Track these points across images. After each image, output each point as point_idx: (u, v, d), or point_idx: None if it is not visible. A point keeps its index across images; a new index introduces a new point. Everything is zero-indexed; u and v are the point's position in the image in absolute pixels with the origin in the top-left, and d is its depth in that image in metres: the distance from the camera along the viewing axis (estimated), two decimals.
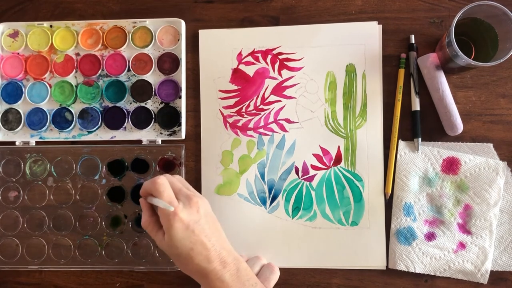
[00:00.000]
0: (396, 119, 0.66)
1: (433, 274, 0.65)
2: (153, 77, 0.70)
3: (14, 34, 0.71)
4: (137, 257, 0.68)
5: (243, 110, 0.69)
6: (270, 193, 0.68)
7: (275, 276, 0.63)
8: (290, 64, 0.69)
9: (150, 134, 0.70)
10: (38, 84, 0.71)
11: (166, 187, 0.54)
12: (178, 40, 0.70)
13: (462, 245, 0.64)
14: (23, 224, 0.69)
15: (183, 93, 0.69)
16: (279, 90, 0.69)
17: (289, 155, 0.68)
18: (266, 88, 0.69)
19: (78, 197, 0.69)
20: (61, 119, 0.70)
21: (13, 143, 0.70)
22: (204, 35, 0.70)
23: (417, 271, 0.64)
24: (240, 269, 0.54)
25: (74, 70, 0.71)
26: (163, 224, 0.54)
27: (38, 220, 0.69)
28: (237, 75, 0.69)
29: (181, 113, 0.69)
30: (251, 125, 0.69)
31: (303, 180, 0.68)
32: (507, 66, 0.67)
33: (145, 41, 0.70)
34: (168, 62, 0.70)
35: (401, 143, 0.67)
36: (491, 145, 0.66)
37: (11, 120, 0.71)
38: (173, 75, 0.70)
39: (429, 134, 0.67)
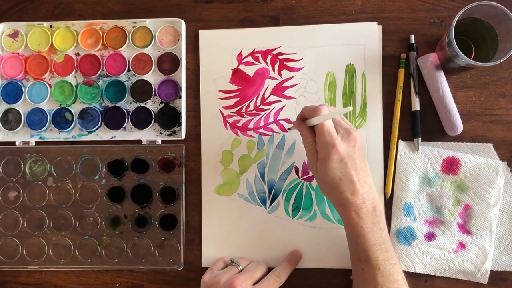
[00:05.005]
0: (396, 119, 0.66)
1: (433, 274, 0.65)
2: (153, 77, 0.70)
3: (14, 34, 0.71)
4: (137, 257, 0.68)
5: (243, 110, 0.69)
6: (270, 193, 0.68)
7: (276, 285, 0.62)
8: (290, 64, 0.69)
9: (150, 134, 0.70)
10: (38, 84, 0.71)
11: (329, 119, 0.55)
12: (178, 40, 0.70)
13: (462, 245, 0.64)
14: (23, 224, 0.69)
15: (183, 93, 0.69)
16: (279, 90, 0.69)
17: (289, 155, 0.68)
18: (266, 88, 0.69)
19: (78, 197, 0.69)
20: (61, 119, 0.70)
21: (13, 143, 0.70)
22: (204, 35, 0.70)
23: (417, 271, 0.64)
24: (376, 210, 0.56)
25: (74, 70, 0.71)
26: (320, 152, 0.56)
27: (38, 220, 0.69)
28: (237, 75, 0.69)
29: (181, 113, 0.69)
30: (251, 125, 0.69)
31: (303, 180, 0.68)
32: (507, 66, 0.67)
33: (145, 41, 0.70)
34: (168, 62, 0.70)
35: (401, 143, 0.67)
36: (491, 145, 0.66)
37: (11, 120, 0.71)
38: (173, 75, 0.70)
39: (429, 134, 0.67)
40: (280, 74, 0.69)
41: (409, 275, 0.65)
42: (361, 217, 0.55)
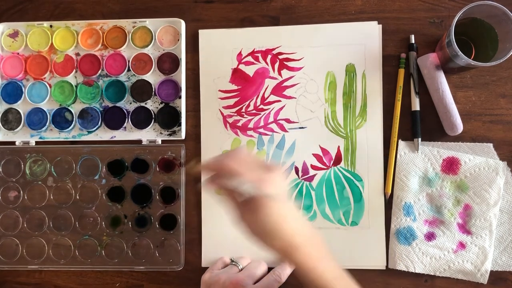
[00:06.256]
0: (396, 119, 0.66)
1: (433, 274, 0.65)
2: (153, 77, 0.70)
3: (14, 34, 0.71)
4: (137, 257, 0.68)
5: (243, 110, 0.69)
6: None
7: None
8: (290, 64, 0.69)
9: (150, 134, 0.70)
10: (38, 84, 0.71)
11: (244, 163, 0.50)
12: (178, 40, 0.70)
13: (462, 245, 0.64)
14: (23, 224, 0.69)
15: (183, 93, 0.69)
16: (279, 90, 0.69)
17: (289, 155, 0.68)
18: (266, 88, 0.69)
19: (78, 197, 0.69)
20: (61, 119, 0.70)
21: (13, 143, 0.70)
22: (204, 35, 0.70)
23: (417, 271, 0.64)
24: (319, 242, 0.52)
25: (74, 70, 0.71)
26: (254, 194, 0.49)
27: (38, 220, 0.69)
28: (237, 75, 0.69)
29: (181, 113, 0.69)
30: (251, 125, 0.69)
31: (303, 180, 0.68)
32: (507, 66, 0.67)
33: (145, 41, 0.70)
34: (168, 62, 0.70)
35: (401, 143, 0.67)
36: (491, 145, 0.66)
37: (11, 120, 0.71)
38: (173, 75, 0.70)
39: (429, 134, 0.67)
40: (280, 74, 0.69)
41: (409, 275, 0.65)
42: (312, 257, 0.50)
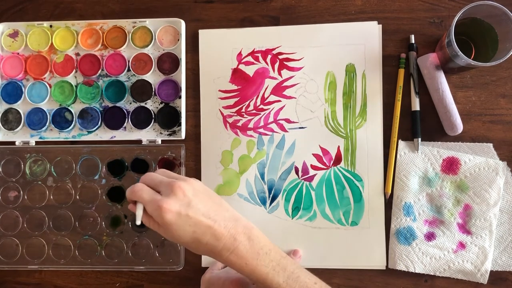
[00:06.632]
0: (396, 119, 0.66)
1: (433, 274, 0.65)
2: (153, 77, 0.70)
3: (14, 34, 0.71)
4: (137, 257, 0.68)
5: (243, 110, 0.69)
6: (270, 193, 0.68)
7: None
8: (290, 64, 0.69)
9: (150, 134, 0.70)
10: (38, 84, 0.71)
11: (144, 190, 0.52)
12: (178, 40, 0.70)
13: (462, 245, 0.64)
14: (23, 224, 0.69)
15: (183, 93, 0.69)
16: (279, 90, 0.69)
17: (289, 155, 0.68)
18: (266, 88, 0.69)
19: (78, 197, 0.69)
20: (61, 119, 0.70)
21: (13, 143, 0.70)
22: (204, 35, 0.70)
23: (417, 271, 0.64)
24: (252, 237, 0.51)
25: (74, 70, 0.71)
26: (157, 221, 0.51)
27: (38, 220, 0.69)
28: (237, 75, 0.69)
29: (181, 113, 0.69)
30: (251, 125, 0.69)
31: (303, 180, 0.68)
32: (507, 66, 0.67)
33: (145, 41, 0.70)
34: (168, 62, 0.70)
35: (401, 143, 0.67)
36: (491, 145, 0.66)
37: (11, 120, 0.71)
38: (173, 75, 0.70)
39: (429, 134, 0.67)
40: (280, 74, 0.69)
41: (409, 275, 0.65)
42: (242, 256, 0.50)
